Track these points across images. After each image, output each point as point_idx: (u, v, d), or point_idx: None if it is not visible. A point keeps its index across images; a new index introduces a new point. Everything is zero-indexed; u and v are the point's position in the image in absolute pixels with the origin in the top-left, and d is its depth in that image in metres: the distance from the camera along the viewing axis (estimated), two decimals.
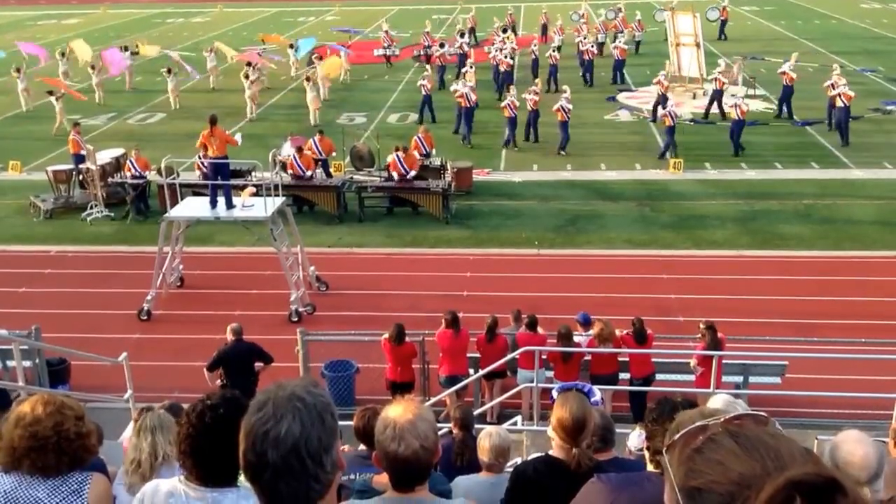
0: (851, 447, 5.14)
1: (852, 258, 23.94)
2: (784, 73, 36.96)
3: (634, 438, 9.84)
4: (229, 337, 16.12)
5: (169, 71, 43.78)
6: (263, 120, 40.03)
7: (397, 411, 4.25)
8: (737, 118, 32.80)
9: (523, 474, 6.30)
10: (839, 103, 33.73)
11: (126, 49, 49.66)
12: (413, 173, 27.42)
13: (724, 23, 59.07)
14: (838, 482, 1.86)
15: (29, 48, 48.38)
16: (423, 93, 38.37)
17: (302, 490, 2.83)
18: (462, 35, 50.42)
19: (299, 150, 27.97)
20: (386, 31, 53.60)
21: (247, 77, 40.50)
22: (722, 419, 2.22)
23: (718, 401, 5.53)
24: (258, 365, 16.13)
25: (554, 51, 45.38)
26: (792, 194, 28.81)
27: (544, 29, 57.00)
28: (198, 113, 37.71)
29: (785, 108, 38.02)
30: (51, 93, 38.51)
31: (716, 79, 38.20)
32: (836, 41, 57.60)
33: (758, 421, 2.23)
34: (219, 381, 15.74)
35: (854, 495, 1.85)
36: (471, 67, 40.07)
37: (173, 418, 6.76)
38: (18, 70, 43.71)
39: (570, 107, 33.65)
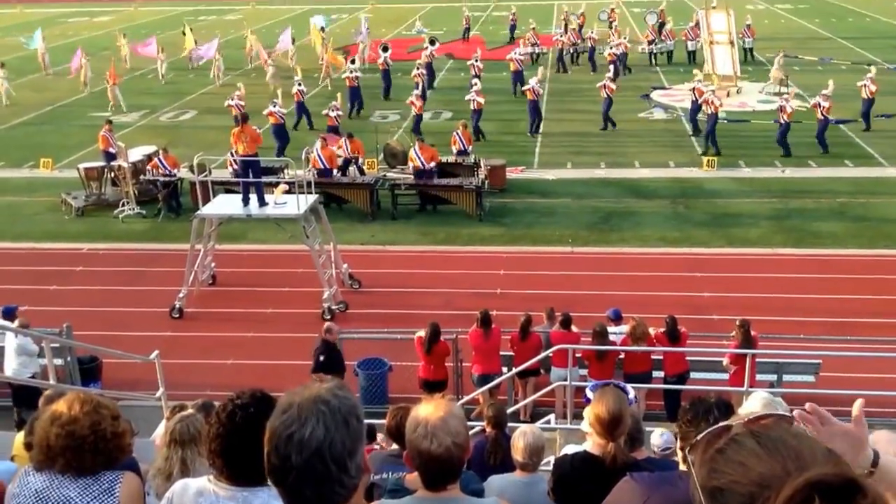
0: (882, 448, 5.05)
1: (887, 256, 23.78)
2: (864, 85, 34.67)
3: (656, 438, 9.77)
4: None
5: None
6: (293, 117, 40.09)
7: (428, 409, 4.22)
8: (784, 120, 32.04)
9: (561, 469, 6.30)
10: (708, 110, 33.09)
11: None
12: (432, 164, 27.52)
13: (662, 25, 54.45)
14: (857, 483, 1.88)
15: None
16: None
17: (326, 494, 2.82)
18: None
19: (323, 140, 28.09)
20: (532, 30, 53.04)
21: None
22: (745, 419, 2.29)
23: (757, 399, 5.44)
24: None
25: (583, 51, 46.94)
26: (826, 192, 28.65)
27: (565, 27, 56.41)
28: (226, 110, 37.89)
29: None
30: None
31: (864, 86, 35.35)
32: (871, 39, 57.29)
33: (783, 420, 2.31)
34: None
35: (874, 495, 1.87)
36: (353, 73, 39.82)
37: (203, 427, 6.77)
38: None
39: (540, 90, 37.54)
